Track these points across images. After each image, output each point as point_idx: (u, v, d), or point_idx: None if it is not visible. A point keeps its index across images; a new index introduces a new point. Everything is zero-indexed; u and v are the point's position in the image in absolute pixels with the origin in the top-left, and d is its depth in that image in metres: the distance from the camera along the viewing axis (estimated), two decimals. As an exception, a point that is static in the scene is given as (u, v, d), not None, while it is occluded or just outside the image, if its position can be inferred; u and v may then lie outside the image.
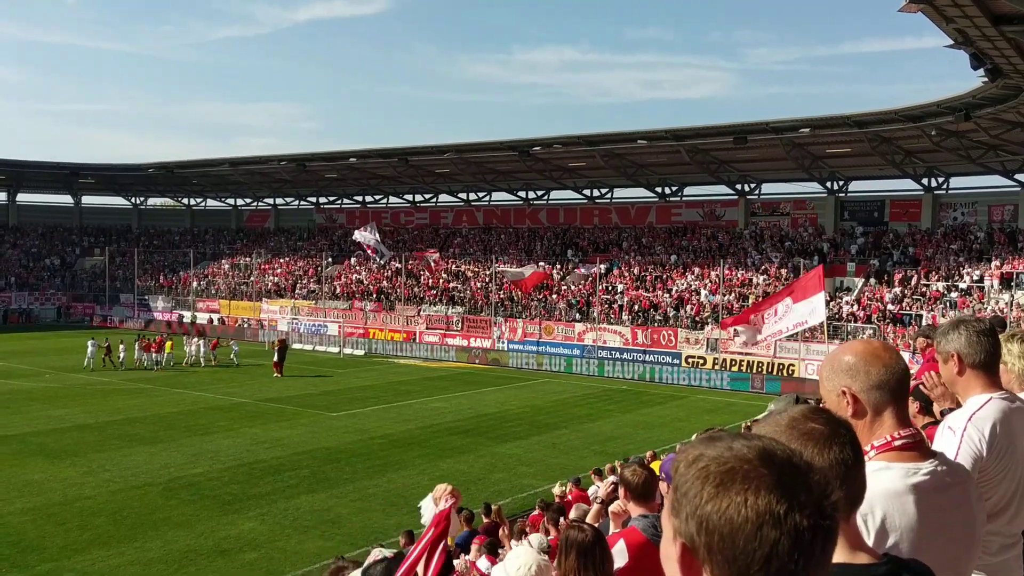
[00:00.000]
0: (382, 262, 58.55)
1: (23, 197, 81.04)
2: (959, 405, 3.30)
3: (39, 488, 21.07)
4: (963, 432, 2.92)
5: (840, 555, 1.76)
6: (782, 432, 1.82)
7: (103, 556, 16.33)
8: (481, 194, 69.17)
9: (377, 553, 4.00)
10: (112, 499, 20.28)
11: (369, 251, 55.63)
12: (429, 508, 4.63)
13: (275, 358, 42.73)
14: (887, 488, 2.24)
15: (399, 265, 58.85)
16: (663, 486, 4.88)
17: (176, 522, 18.58)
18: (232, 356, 46.90)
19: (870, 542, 2.10)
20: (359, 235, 55.40)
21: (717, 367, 42.85)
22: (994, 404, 3.01)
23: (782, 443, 1.38)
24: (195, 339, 48.51)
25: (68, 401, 33.65)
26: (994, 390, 3.09)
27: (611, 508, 5.71)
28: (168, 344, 46.05)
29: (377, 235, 54.84)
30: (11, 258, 74.79)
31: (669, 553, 1.38)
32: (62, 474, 22.44)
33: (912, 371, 3.49)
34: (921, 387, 4.73)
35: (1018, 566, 2.88)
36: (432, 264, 57.36)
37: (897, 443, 2.33)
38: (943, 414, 4.48)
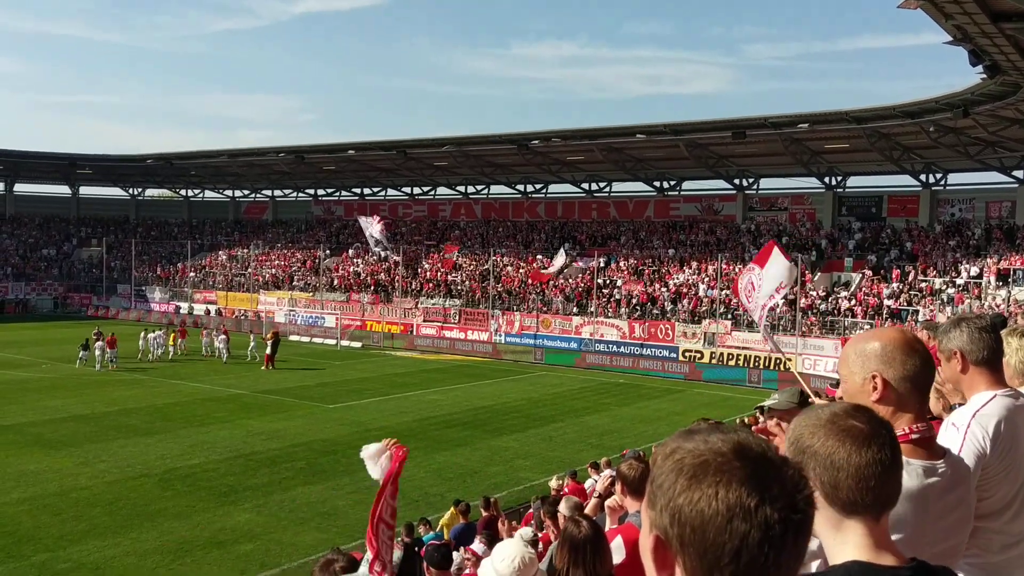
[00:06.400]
0: (382, 255, 58.16)
1: (20, 187, 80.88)
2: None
3: (35, 478, 21.03)
4: (967, 429, 2.89)
5: (866, 554, 1.74)
6: (821, 427, 1.80)
7: (99, 547, 16.31)
8: (479, 187, 69.06)
9: (332, 553, 3.98)
10: (108, 490, 20.25)
11: (372, 239, 54.28)
12: (371, 458, 4.67)
13: (268, 350, 41.93)
14: (907, 487, 2.23)
15: (397, 258, 58.59)
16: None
17: (172, 513, 18.55)
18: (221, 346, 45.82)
19: None
20: (363, 221, 54.80)
21: (714, 361, 42.88)
22: (998, 401, 2.98)
23: (760, 438, 1.37)
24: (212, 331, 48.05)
25: (64, 392, 33.59)
26: (998, 387, 3.06)
27: (607, 503, 5.69)
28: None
29: (376, 231, 53.74)
30: (8, 248, 74.64)
31: (645, 545, 1.39)
32: (58, 464, 22.41)
33: None
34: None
35: (1020, 565, 2.86)
36: (451, 259, 56.60)
37: (914, 436, 2.35)
38: (951, 409, 4.45)
